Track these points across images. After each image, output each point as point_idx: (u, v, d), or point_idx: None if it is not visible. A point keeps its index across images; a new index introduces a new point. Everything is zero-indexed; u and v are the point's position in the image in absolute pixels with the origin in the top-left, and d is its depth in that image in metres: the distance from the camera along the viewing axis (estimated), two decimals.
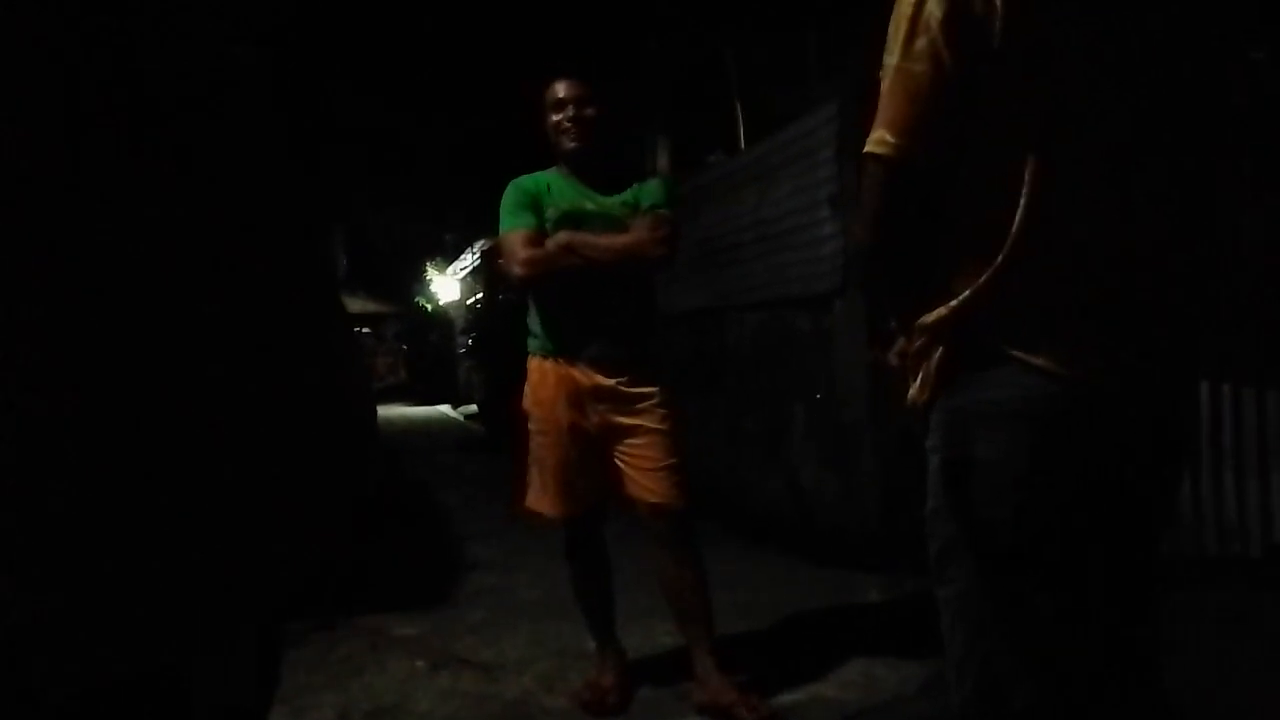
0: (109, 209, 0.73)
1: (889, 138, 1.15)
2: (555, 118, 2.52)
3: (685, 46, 6.79)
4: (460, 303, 16.84)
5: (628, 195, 2.52)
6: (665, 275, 2.72)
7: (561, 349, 2.48)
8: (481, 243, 13.48)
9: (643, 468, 2.44)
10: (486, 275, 12.40)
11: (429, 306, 20.27)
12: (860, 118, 3.94)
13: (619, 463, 2.48)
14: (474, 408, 14.06)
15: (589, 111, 2.50)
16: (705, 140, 6.39)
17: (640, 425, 2.45)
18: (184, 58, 0.82)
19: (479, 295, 13.14)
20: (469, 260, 15.64)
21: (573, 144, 2.50)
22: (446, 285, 18.52)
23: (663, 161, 7.15)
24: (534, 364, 2.54)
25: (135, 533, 0.74)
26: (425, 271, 20.03)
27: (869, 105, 1.22)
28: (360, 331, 24.28)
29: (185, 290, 0.77)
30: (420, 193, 17.52)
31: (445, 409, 17.05)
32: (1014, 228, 1.13)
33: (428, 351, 20.26)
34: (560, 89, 2.52)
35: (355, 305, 21.75)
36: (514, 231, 2.45)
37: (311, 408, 0.93)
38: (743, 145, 6.14)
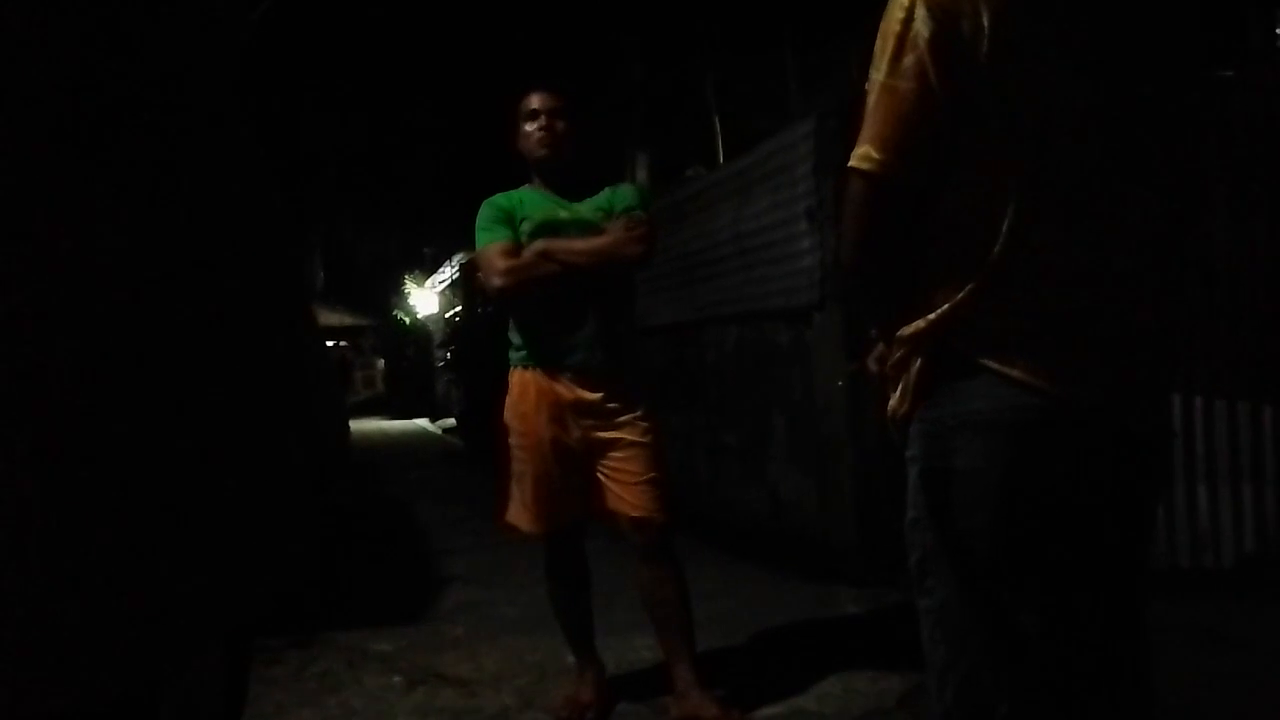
0: (79, 215, 0.73)
1: (874, 154, 1.16)
2: (529, 128, 2.52)
3: (666, 65, 6.85)
4: (439, 316, 16.79)
5: (601, 201, 2.53)
6: (644, 288, 2.72)
7: (543, 360, 2.47)
8: (460, 255, 13.46)
9: (625, 482, 2.44)
10: (465, 288, 12.38)
11: (407, 320, 20.19)
12: (839, 133, 3.99)
13: (600, 477, 2.47)
14: (452, 421, 14.01)
15: (562, 123, 2.51)
16: (684, 155, 6.43)
17: (622, 439, 2.45)
18: (160, 61, 0.82)
19: (458, 308, 13.11)
20: (448, 273, 15.61)
21: (545, 154, 2.51)
22: (425, 298, 18.46)
23: (642, 175, 7.18)
24: (515, 376, 2.53)
25: (98, 551, 0.73)
26: (404, 284, 19.96)
27: (847, 120, 1.23)
28: (338, 345, 24.14)
29: (152, 301, 0.77)
30: (399, 205, 17.49)
31: (424, 423, 16.96)
32: (996, 244, 1.14)
33: (406, 365, 20.18)
34: (534, 100, 2.52)
35: (333, 318, 21.63)
36: (490, 245, 2.45)
37: (279, 422, 0.92)
38: (721, 160, 6.18)
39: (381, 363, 25.10)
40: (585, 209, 2.51)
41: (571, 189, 2.55)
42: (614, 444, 2.45)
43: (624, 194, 2.55)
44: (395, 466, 10.08)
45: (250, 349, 0.87)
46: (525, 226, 2.46)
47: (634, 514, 2.43)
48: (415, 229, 18.33)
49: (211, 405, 0.81)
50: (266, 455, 0.89)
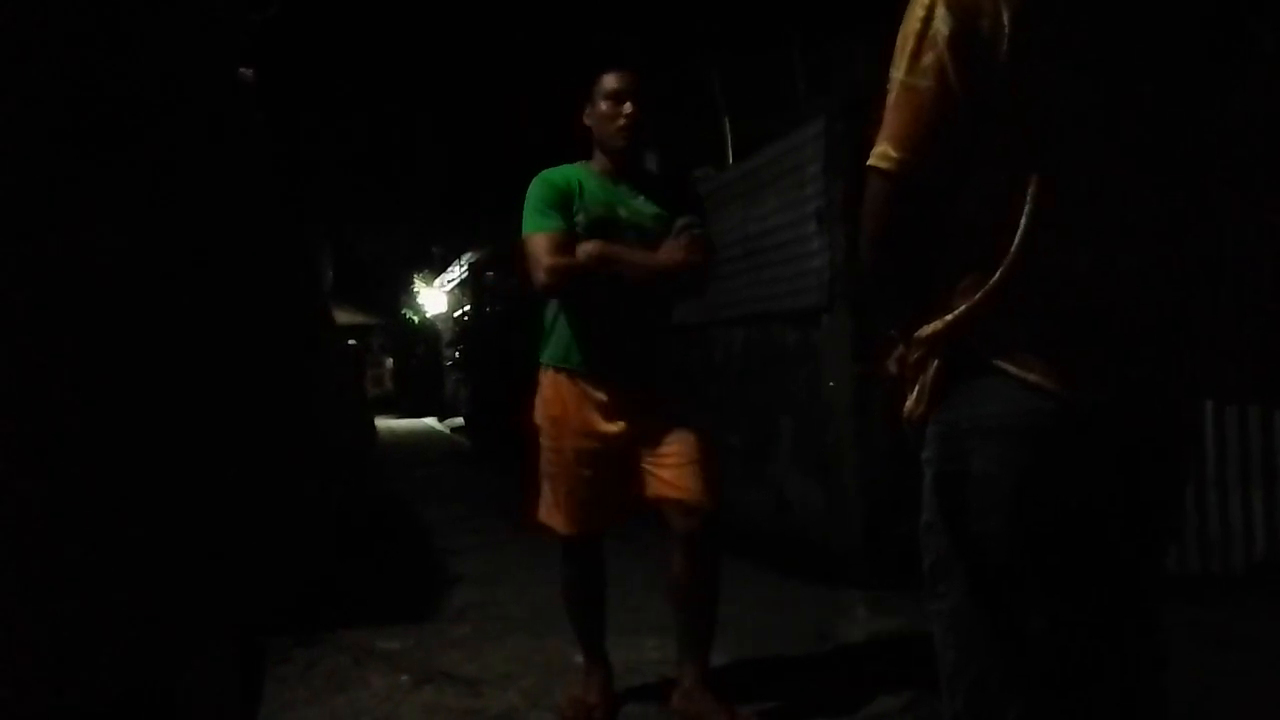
0: (96, 218, 0.73)
1: (892, 152, 1.16)
2: (608, 109, 2.37)
3: (669, 65, 6.83)
4: (447, 315, 16.81)
5: (662, 204, 2.42)
6: None
7: (582, 364, 2.39)
8: (469, 255, 13.47)
9: (669, 465, 2.35)
10: (474, 287, 12.39)
11: (416, 319, 20.21)
12: (847, 134, 3.97)
13: (646, 466, 2.38)
14: (460, 420, 14.02)
15: (640, 107, 2.38)
16: (693, 155, 6.41)
17: (666, 426, 2.37)
18: (179, 70, 0.82)
19: (466, 307, 13.12)
20: (456, 272, 15.62)
21: (625, 143, 2.39)
22: (434, 297, 18.48)
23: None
24: (548, 377, 2.45)
25: (118, 550, 0.73)
26: (412, 283, 19.97)
27: (856, 121, 1.23)
28: (347, 343, 24.16)
29: (153, 300, 0.77)
30: (408, 204, 17.51)
31: (431, 421, 16.97)
32: (1013, 245, 1.14)
33: (414, 364, 20.20)
34: (615, 80, 2.38)
35: (342, 317, 21.64)
36: (541, 234, 2.33)
37: (291, 424, 0.92)
38: (730, 161, 6.17)
39: (390, 361, 25.12)
40: (645, 210, 2.41)
41: (633, 176, 2.45)
42: (658, 431, 2.36)
43: (685, 205, 2.45)
44: (403, 465, 10.08)
45: (256, 348, 0.87)
46: (581, 219, 2.34)
47: (679, 496, 2.33)
48: (424, 228, 18.35)
49: (218, 404, 0.81)
50: (274, 454, 0.89)
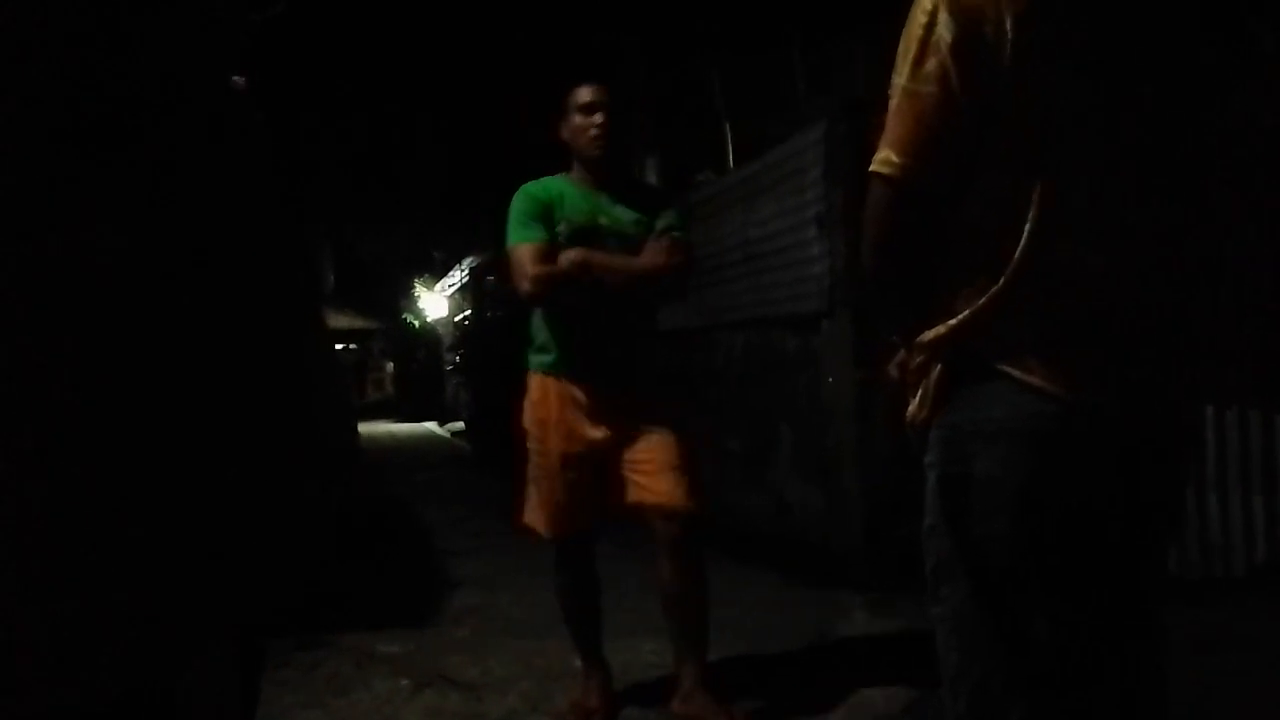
0: (96, 218, 0.73)
1: (894, 157, 1.16)
2: (582, 121, 2.44)
3: (669, 67, 6.84)
4: (448, 319, 16.82)
5: (642, 212, 2.47)
6: None
7: (566, 369, 2.43)
8: (470, 259, 13.49)
9: (649, 471, 2.38)
10: (475, 292, 12.40)
11: (417, 323, 20.22)
12: (848, 139, 3.98)
13: (625, 472, 2.41)
14: (461, 425, 14.03)
15: (612, 118, 2.43)
16: (694, 159, 6.42)
17: (646, 430, 2.40)
18: (178, 71, 0.82)
19: (467, 312, 13.13)
20: (457, 277, 15.64)
21: (600, 153, 2.44)
22: (434, 301, 18.49)
23: (651, 180, 7.18)
24: (535, 381, 2.49)
25: (116, 551, 0.73)
26: (413, 288, 19.99)
27: (856, 125, 1.23)
28: (348, 348, 24.20)
29: (153, 300, 0.77)
30: (409, 208, 17.53)
31: (432, 426, 16.98)
32: (1017, 250, 1.14)
33: (415, 368, 20.23)
34: (587, 93, 2.44)
35: (343, 321, 21.69)
36: (524, 245, 2.38)
37: (291, 425, 0.92)
38: (731, 165, 6.18)
39: (390, 365, 25.15)
40: (625, 217, 2.45)
41: (613, 190, 2.48)
42: (638, 435, 2.40)
43: (667, 211, 2.50)
44: (403, 469, 10.09)
45: (254, 349, 0.87)
46: (563, 228, 2.39)
47: (658, 501, 2.37)
48: (424, 229, 18.36)
49: (218, 404, 0.81)
50: (273, 456, 0.89)
